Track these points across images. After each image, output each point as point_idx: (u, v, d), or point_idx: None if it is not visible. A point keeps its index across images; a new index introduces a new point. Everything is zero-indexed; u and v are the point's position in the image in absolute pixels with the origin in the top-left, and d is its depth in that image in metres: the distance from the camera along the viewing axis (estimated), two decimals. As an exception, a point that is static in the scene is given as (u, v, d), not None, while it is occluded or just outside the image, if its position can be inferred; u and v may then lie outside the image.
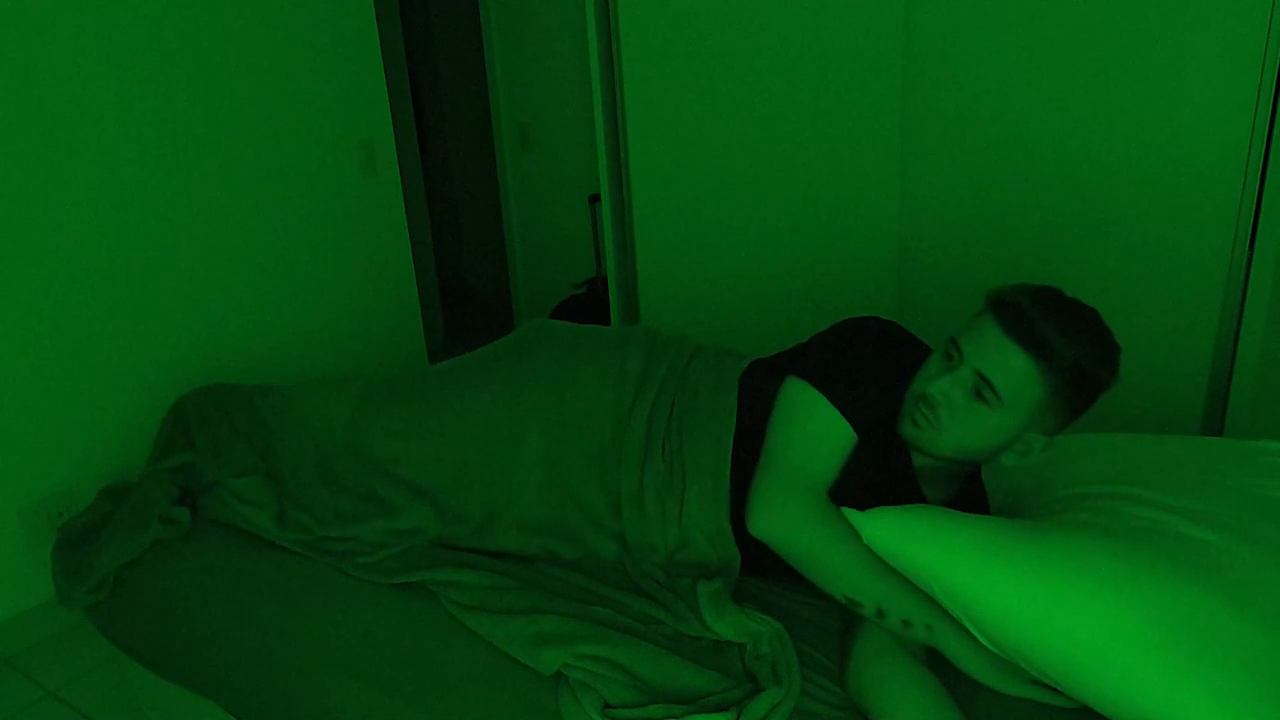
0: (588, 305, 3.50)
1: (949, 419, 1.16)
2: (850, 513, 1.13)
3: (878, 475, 1.25)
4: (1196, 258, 1.98)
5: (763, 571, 1.38)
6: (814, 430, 1.22)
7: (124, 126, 2.24)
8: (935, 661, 1.16)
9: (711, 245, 2.61)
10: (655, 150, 2.60)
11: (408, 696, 1.18)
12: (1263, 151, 1.86)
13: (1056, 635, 0.94)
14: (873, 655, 1.12)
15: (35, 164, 2.08)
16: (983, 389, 1.12)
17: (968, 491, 1.35)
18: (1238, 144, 1.88)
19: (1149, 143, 1.97)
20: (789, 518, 1.17)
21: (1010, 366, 1.11)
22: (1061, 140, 2.05)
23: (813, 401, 1.24)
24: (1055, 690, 1.04)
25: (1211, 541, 1.02)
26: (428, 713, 1.16)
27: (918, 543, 1.05)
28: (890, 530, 1.08)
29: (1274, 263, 1.87)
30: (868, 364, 1.27)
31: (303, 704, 1.27)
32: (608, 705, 1.10)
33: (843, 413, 1.23)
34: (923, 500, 1.28)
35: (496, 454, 1.45)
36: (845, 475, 1.26)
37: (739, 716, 1.06)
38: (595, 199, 3.70)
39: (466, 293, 5.47)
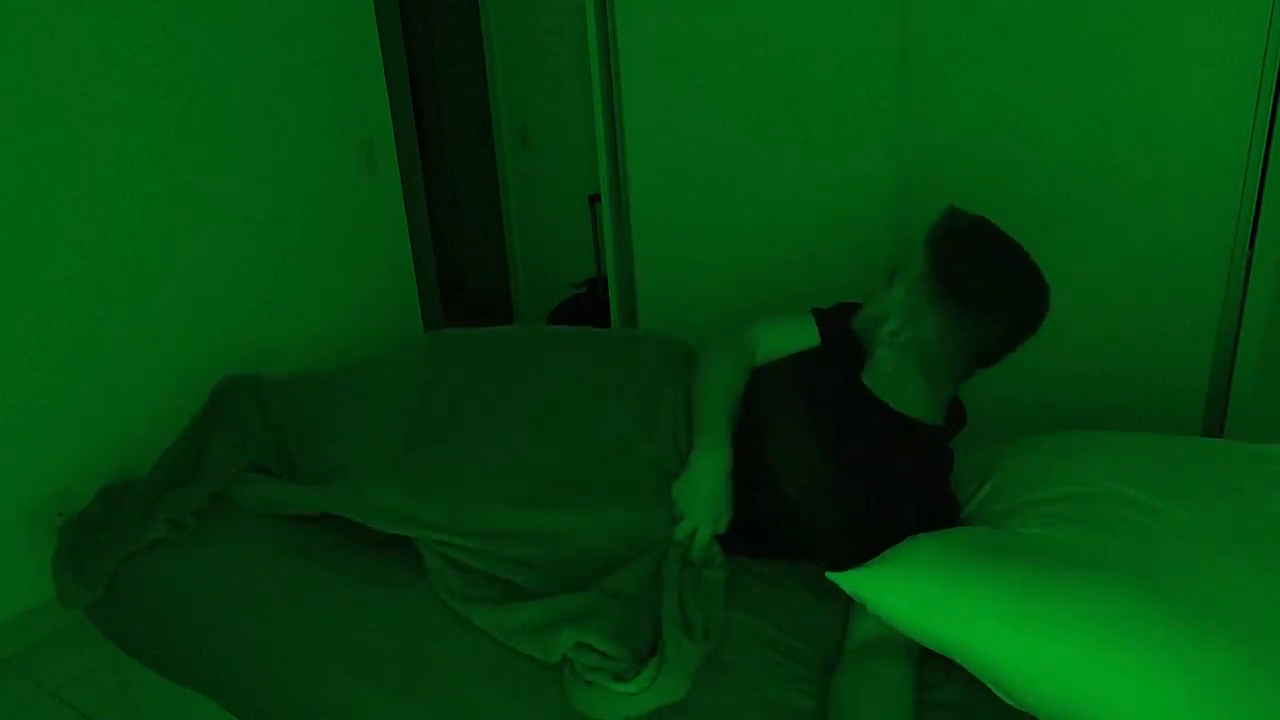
0: (588, 305, 3.50)
1: (873, 297, 1.42)
2: (857, 581, 1.09)
3: (833, 376, 1.44)
4: (1196, 258, 1.98)
5: (753, 550, 1.41)
6: (784, 319, 1.55)
7: (124, 127, 2.24)
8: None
9: (710, 245, 2.61)
10: (653, 150, 2.60)
11: (407, 693, 1.18)
12: (1263, 151, 1.86)
13: (1084, 700, 0.93)
14: (853, 658, 1.13)
15: (33, 165, 2.08)
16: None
17: (928, 456, 1.36)
18: (1238, 144, 1.88)
19: (1149, 142, 1.97)
20: (714, 342, 1.52)
21: (915, 252, 1.38)
22: (1060, 140, 2.05)
23: (798, 310, 1.57)
24: None
25: (1227, 573, 1.00)
26: (428, 710, 1.16)
27: (931, 614, 1.03)
28: (902, 603, 1.05)
29: (1274, 263, 1.87)
30: (851, 305, 1.55)
31: (303, 702, 1.27)
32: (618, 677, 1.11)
33: (816, 321, 1.53)
34: (866, 394, 1.39)
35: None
36: (804, 371, 1.48)
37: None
38: (595, 199, 3.70)
39: (466, 293, 5.47)
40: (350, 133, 2.83)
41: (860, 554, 1.22)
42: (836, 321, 1.51)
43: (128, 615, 1.56)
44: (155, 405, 2.38)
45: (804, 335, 1.53)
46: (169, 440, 2.42)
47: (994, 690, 1.02)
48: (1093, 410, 2.19)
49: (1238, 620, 0.95)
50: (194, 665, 1.45)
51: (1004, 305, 1.25)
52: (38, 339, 2.13)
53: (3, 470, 2.11)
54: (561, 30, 3.55)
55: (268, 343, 2.66)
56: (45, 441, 2.17)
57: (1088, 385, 2.17)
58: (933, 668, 1.15)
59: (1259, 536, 1.07)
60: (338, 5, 2.72)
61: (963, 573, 1.04)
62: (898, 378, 1.36)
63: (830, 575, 1.12)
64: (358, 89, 2.83)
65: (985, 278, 1.26)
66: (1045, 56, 2.02)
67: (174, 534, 1.55)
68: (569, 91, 3.62)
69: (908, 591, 1.05)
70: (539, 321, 4.10)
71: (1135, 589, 0.98)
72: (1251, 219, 1.91)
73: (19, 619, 2.16)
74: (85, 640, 2.17)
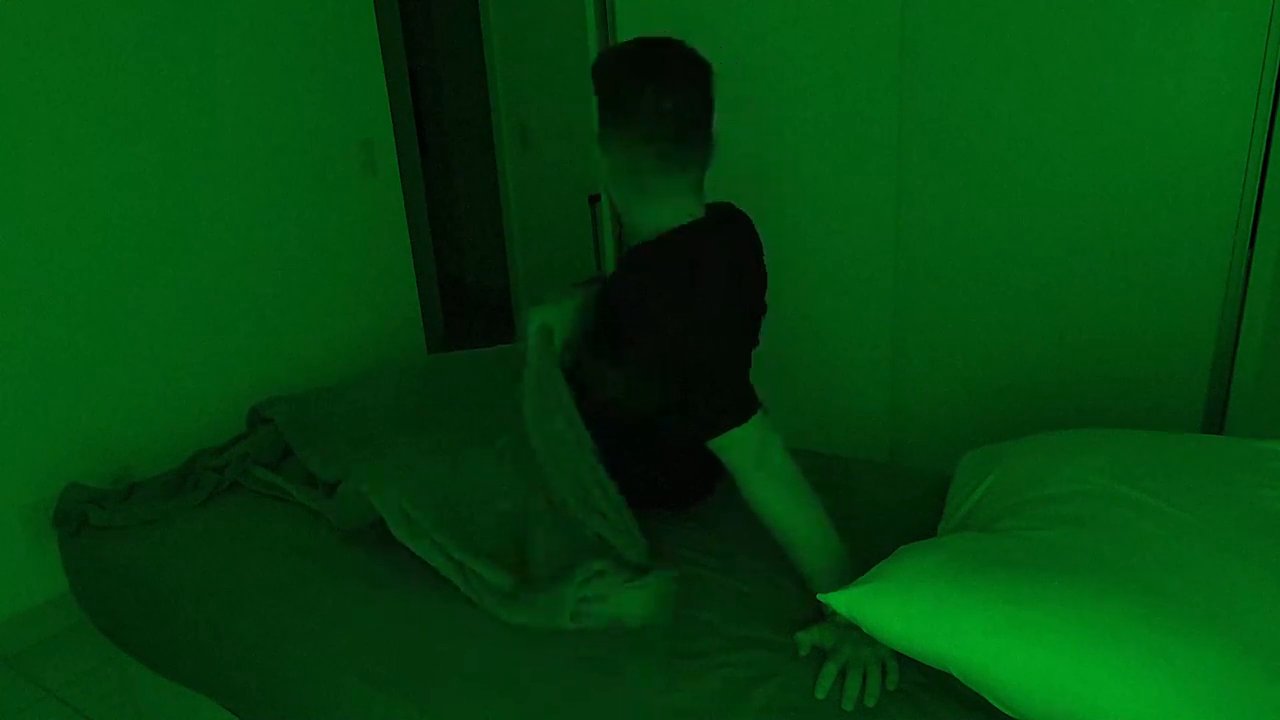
0: (588, 305, 3.50)
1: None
2: (850, 602, 1.10)
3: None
4: (1196, 258, 1.98)
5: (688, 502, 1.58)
6: None
7: (123, 127, 2.24)
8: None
9: (711, 245, 2.60)
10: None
11: (406, 693, 1.18)
12: (1263, 151, 1.86)
13: (1079, 707, 0.94)
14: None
15: (32, 164, 2.08)
16: None
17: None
18: (1238, 144, 1.88)
19: (1149, 142, 1.97)
20: None
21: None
22: (1060, 140, 2.05)
23: None
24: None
25: (1222, 570, 1.00)
26: (426, 709, 1.16)
27: (926, 633, 1.03)
28: (896, 624, 1.06)
29: (1274, 263, 1.87)
30: None
31: (302, 700, 1.27)
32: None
33: None
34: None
35: None
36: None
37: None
38: (595, 199, 3.70)
39: (466, 293, 5.47)
40: (350, 133, 2.83)
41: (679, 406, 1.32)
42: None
43: (127, 616, 1.56)
44: (155, 405, 2.38)
45: None
46: (168, 440, 2.42)
47: (995, 705, 1.02)
48: (1093, 409, 2.19)
49: (1230, 617, 0.95)
50: (194, 665, 1.45)
51: (636, 78, 1.36)
52: (37, 339, 2.13)
53: (3, 470, 2.11)
54: (561, 30, 3.55)
55: (268, 342, 2.66)
56: (45, 441, 2.17)
57: (1088, 385, 2.18)
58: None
59: (1256, 533, 1.07)
60: (338, 5, 2.73)
61: (954, 588, 1.04)
62: (639, 217, 1.43)
63: (821, 597, 1.12)
64: (358, 88, 2.83)
65: (613, 75, 1.39)
66: (1045, 56, 2.02)
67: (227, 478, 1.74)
68: (569, 91, 3.62)
69: (901, 611, 1.05)
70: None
71: (1126, 591, 0.98)
72: (1251, 219, 1.91)
73: (19, 619, 2.16)
74: (85, 640, 2.17)
